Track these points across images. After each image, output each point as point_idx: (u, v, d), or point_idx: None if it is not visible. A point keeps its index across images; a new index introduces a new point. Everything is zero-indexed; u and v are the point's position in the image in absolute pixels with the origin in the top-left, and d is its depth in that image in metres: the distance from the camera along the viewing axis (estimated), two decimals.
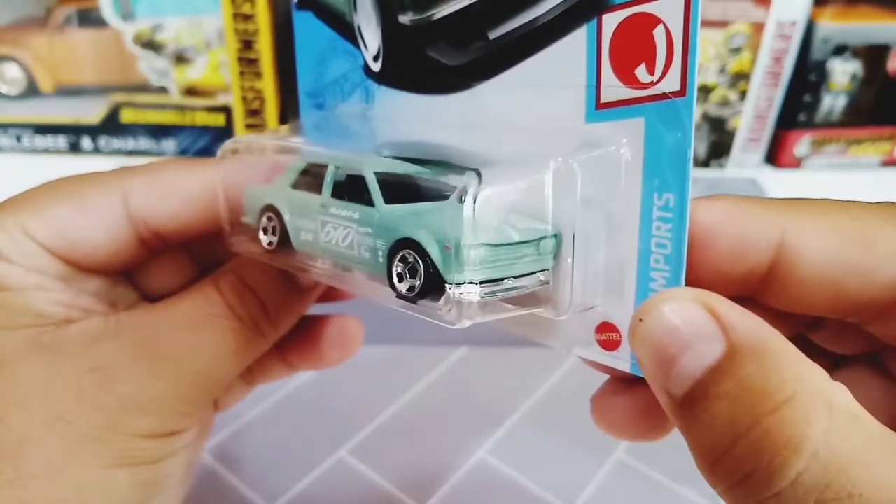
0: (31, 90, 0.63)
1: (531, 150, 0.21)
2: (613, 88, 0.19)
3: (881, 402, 0.22)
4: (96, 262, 0.26)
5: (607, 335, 0.22)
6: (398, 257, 0.20)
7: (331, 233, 0.23)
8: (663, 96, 0.18)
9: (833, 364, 0.23)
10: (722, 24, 0.61)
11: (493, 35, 0.21)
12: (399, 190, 0.21)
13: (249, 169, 0.26)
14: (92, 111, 0.63)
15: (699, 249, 0.20)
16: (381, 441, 0.42)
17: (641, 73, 0.19)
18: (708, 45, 0.62)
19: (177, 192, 0.27)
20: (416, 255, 0.20)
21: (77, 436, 0.23)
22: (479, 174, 0.19)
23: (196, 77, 0.61)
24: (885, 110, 0.66)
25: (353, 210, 0.22)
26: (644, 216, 0.20)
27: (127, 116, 0.63)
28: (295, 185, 0.24)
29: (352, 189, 0.22)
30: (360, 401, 0.45)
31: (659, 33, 0.18)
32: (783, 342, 0.17)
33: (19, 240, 0.24)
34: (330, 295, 0.31)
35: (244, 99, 0.60)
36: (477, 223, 0.19)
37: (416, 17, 0.23)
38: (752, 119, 0.65)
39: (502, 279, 0.20)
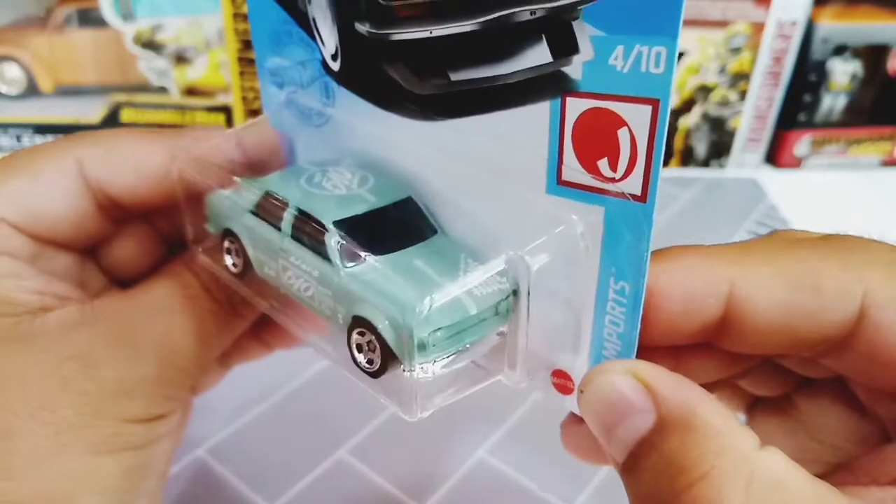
0: (32, 90, 0.63)
1: (491, 211, 0.20)
2: (575, 171, 0.18)
3: (844, 420, 0.22)
4: (61, 235, 0.26)
5: (561, 381, 0.22)
6: (356, 331, 0.20)
7: (292, 279, 0.22)
8: (623, 196, 0.18)
9: (799, 384, 0.24)
10: (722, 24, 0.61)
11: (454, 77, 0.20)
12: (359, 242, 0.21)
13: (206, 169, 0.26)
14: (92, 111, 0.63)
15: (651, 310, 0.20)
16: (381, 441, 0.42)
17: (604, 166, 0.18)
18: (708, 45, 0.62)
19: (133, 166, 0.26)
20: (373, 336, 0.19)
21: (62, 424, 0.22)
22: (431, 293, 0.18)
23: (196, 77, 0.61)
24: (884, 110, 0.66)
25: (313, 266, 0.21)
26: (600, 296, 0.20)
27: (127, 116, 0.63)
28: (255, 212, 0.23)
29: (309, 235, 0.21)
30: (360, 401, 0.45)
31: (623, 134, 0.17)
32: (712, 412, 0.17)
33: None
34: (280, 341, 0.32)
35: (244, 99, 0.60)
36: (429, 318, 0.18)
37: (373, 32, 0.21)
38: (752, 119, 0.65)
39: (461, 348, 0.20)
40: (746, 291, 0.20)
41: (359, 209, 0.21)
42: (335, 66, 0.23)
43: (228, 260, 0.25)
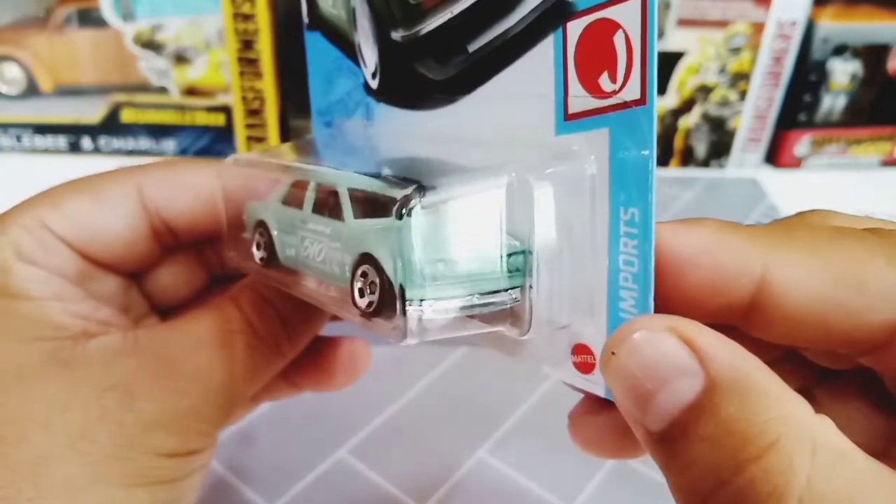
0: (32, 90, 0.63)
1: (501, 162, 0.20)
2: (580, 98, 0.19)
3: (870, 417, 0.21)
4: (114, 257, 0.26)
5: (582, 357, 0.21)
6: (359, 272, 0.20)
7: (308, 248, 0.23)
8: (625, 105, 0.18)
9: (820, 377, 0.22)
10: (722, 24, 0.61)
11: (472, 48, 0.21)
12: (367, 206, 0.21)
13: (250, 183, 0.26)
14: (92, 111, 0.63)
15: (673, 278, 0.18)
16: (381, 441, 0.42)
17: (604, 81, 0.18)
18: (708, 45, 0.62)
19: (190, 186, 0.27)
20: (375, 271, 0.19)
21: (99, 455, 0.22)
22: (422, 188, 0.18)
23: (196, 77, 0.61)
24: (884, 110, 0.66)
25: (327, 225, 0.22)
26: (612, 232, 0.19)
27: (127, 116, 0.63)
28: (284, 201, 0.24)
29: (329, 205, 0.23)
30: (360, 401, 0.45)
31: (619, 39, 0.17)
32: (766, 374, 0.16)
33: (39, 235, 0.24)
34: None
35: (244, 99, 0.60)
36: (427, 238, 0.18)
37: (406, 34, 0.23)
38: (752, 119, 0.65)
39: (466, 296, 0.19)
40: (783, 278, 0.18)
41: (364, 186, 0.22)
42: (374, 83, 0.25)
43: (257, 254, 0.25)
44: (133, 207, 0.26)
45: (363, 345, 0.32)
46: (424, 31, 0.22)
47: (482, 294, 0.19)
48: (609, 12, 0.18)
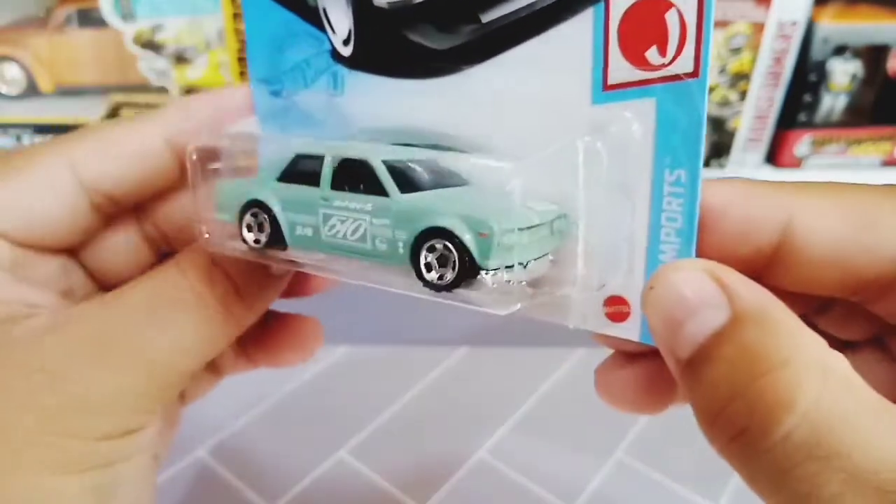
0: (31, 90, 0.63)
1: (536, 133, 0.21)
2: (622, 70, 0.20)
3: (886, 385, 0.22)
4: (49, 238, 0.25)
5: (615, 308, 0.22)
6: (426, 247, 0.20)
7: (336, 226, 0.22)
8: (676, 77, 0.19)
9: (838, 349, 0.23)
10: (722, 24, 0.61)
11: (486, 18, 0.21)
12: (409, 177, 0.21)
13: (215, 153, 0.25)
14: (92, 111, 0.63)
15: (706, 230, 0.20)
16: (381, 441, 0.42)
17: (652, 54, 0.19)
18: None
19: (128, 152, 0.25)
20: (448, 244, 0.20)
21: (21, 441, 0.21)
22: (512, 159, 0.20)
23: (196, 77, 0.62)
24: (885, 110, 0.66)
25: (363, 201, 0.22)
26: (655, 191, 0.20)
27: (127, 116, 0.63)
28: (283, 178, 0.24)
29: (354, 179, 0.22)
30: (360, 401, 0.45)
31: (671, 16, 0.18)
32: (785, 312, 0.18)
33: None
34: (294, 290, 0.30)
35: None
36: (514, 206, 0.19)
37: (394, 1, 0.22)
38: (753, 119, 0.65)
39: (527, 262, 0.20)
40: (805, 221, 0.20)
41: (401, 155, 0.22)
42: (347, 50, 0.24)
43: (250, 236, 0.24)
44: (66, 185, 0.25)
45: (314, 323, 0.31)
46: (419, 0, 0.22)
47: (536, 259, 0.21)
48: None
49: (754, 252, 0.21)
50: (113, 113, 0.63)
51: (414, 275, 0.21)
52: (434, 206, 0.20)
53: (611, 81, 0.20)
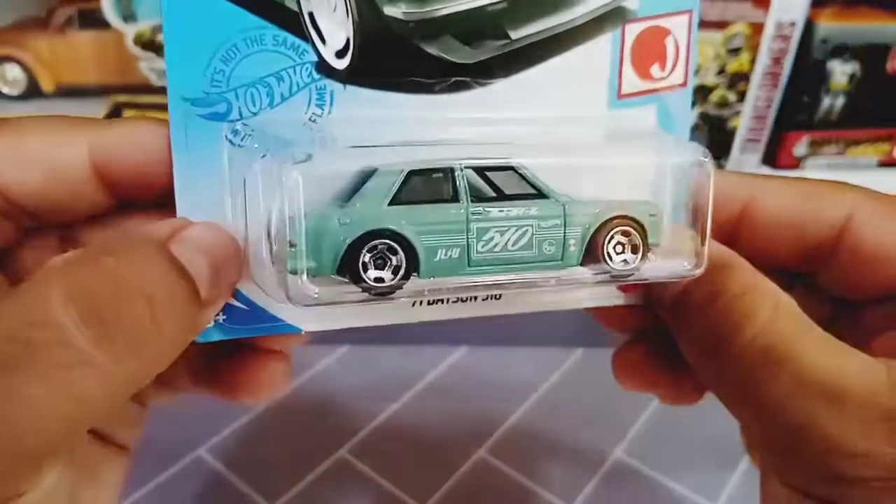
0: (33, 91, 0.63)
1: (572, 133, 0.24)
2: (632, 82, 0.24)
3: None
4: None
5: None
6: (607, 237, 0.22)
7: (495, 238, 0.21)
8: (671, 87, 0.25)
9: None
10: (721, 24, 0.61)
11: (515, 35, 0.22)
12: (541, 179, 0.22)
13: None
14: (93, 111, 0.63)
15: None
16: (381, 441, 0.42)
17: (655, 70, 0.25)
18: (707, 45, 0.62)
19: (40, 161, 0.22)
20: (633, 229, 0.23)
21: None
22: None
23: None
24: (883, 111, 0.66)
25: (524, 206, 0.21)
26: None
27: (128, 116, 0.63)
28: (400, 200, 0.20)
29: (499, 187, 0.22)
30: (360, 401, 0.45)
31: (669, 41, 0.24)
32: (746, 263, 0.23)
33: None
34: (237, 391, 0.26)
35: None
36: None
37: (414, 11, 0.21)
38: (751, 119, 0.65)
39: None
40: (762, 195, 0.26)
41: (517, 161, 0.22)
42: (341, 63, 0.22)
43: (371, 275, 0.20)
44: None
45: (280, 363, 0.27)
46: (442, 13, 0.21)
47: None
48: (663, 21, 0.24)
49: (724, 219, 0.25)
50: (113, 113, 0.63)
51: (580, 271, 0.22)
52: (591, 201, 0.22)
53: (623, 92, 0.24)
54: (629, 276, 0.23)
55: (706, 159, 0.23)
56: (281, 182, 0.19)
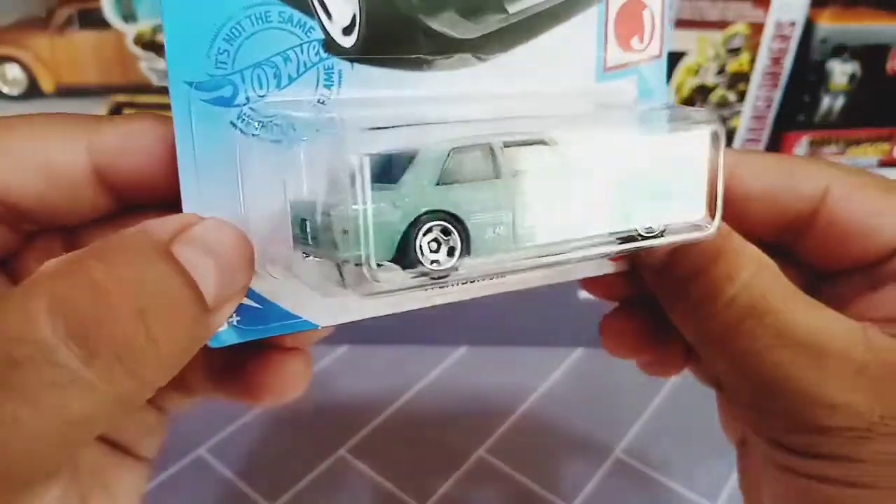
0: (33, 91, 0.63)
1: (569, 103, 0.25)
2: (616, 54, 0.25)
3: None
4: None
5: None
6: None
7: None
8: (649, 59, 0.26)
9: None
10: (721, 24, 0.61)
11: (512, 8, 0.22)
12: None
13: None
14: (93, 111, 0.63)
15: None
16: (381, 440, 0.42)
17: (635, 42, 0.26)
18: (707, 45, 0.62)
19: (38, 167, 0.21)
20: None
21: None
22: None
23: None
24: (883, 111, 0.66)
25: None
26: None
27: (128, 113, 0.63)
28: (447, 179, 0.20)
29: (530, 159, 0.21)
30: (360, 400, 0.45)
31: (647, 14, 0.26)
32: (728, 227, 0.24)
33: None
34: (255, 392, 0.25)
35: None
36: None
37: None
38: (751, 119, 0.65)
39: None
40: (740, 170, 0.27)
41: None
42: (348, 40, 0.21)
43: (436, 256, 0.19)
44: None
45: (302, 360, 0.26)
46: None
47: None
48: None
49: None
50: (114, 113, 0.63)
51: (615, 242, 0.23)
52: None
53: (608, 65, 0.25)
54: (654, 240, 0.23)
55: (719, 129, 0.23)
56: (341, 165, 0.18)
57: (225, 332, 0.21)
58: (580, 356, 0.50)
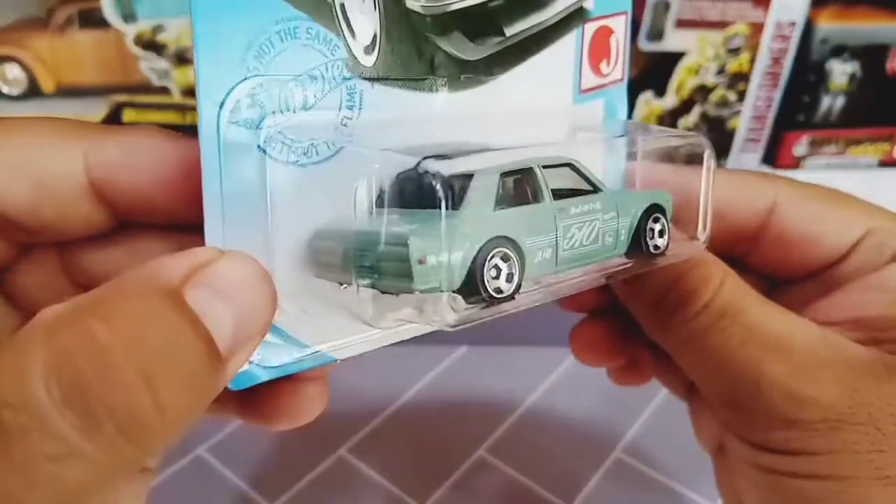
0: (33, 91, 0.63)
1: (552, 126, 0.26)
2: (589, 78, 0.26)
3: None
4: None
5: None
6: (650, 221, 0.24)
7: (575, 235, 0.22)
8: (614, 82, 0.27)
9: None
10: (721, 24, 0.61)
11: (509, 31, 0.23)
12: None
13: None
14: (93, 111, 0.63)
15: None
16: (381, 440, 0.42)
17: (604, 66, 0.27)
18: (707, 45, 0.62)
19: (31, 176, 0.19)
20: (662, 216, 0.25)
21: None
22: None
23: None
24: (883, 111, 0.66)
25: (591, 201, 0.23)
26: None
27: (128, 117, 0.63)
28: (501, 204, 0.20)
29: (565, 184, 0.23)
30: (360, 400, 0.45)
31: (613, 39, 0.27)
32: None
33: None
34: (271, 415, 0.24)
35: None
36: None
37: (430, 5, 0.20)
38: (751, 119, 0.65)
39: None
40: (695, 186, 0.26)
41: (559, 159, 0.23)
42: (369, 59, 0.20)
43: (497, 284, 0.19)
44: None
45: (319, 388, 0.25)
46: (454, 7, 0.21)
47: None
48: (610, 21, 0.26)
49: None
50: (114, 113, 0.63)
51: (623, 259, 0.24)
52: (629, 192, 0.25)
53: (584, 87, 0.26)
54: (661, 257, 0.24)
55: (708, 151, 0.25)
56: (428, 191, 0.17)
57: (243, 373, 0.20)
58: None
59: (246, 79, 0.18)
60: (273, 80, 0.19)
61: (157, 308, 0.16)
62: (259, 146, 0.19)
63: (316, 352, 0.21)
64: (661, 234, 0.25)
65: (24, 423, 0.14)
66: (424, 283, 0.18)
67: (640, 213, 0.24)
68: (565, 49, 0.25)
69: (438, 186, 0.17)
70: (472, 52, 0.22)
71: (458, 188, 0.18)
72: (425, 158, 0.18)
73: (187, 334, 0.16)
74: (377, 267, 0.18)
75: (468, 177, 0.19)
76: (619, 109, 0.28)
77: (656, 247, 0.24)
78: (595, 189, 0.23)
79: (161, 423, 0.15)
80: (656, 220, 0.24)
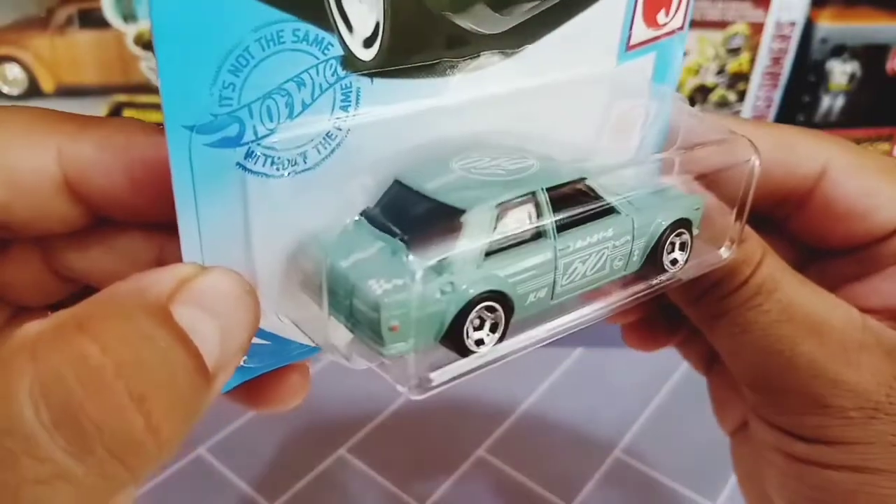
0: (33, 90, 0.63)
1: (586, 100, 0.24)
2: (640, 31, 0.24)
3: None
4: None
5: None
6: (671, 239, 0.23)
7: (577, 268, 0.20)
8: (671, 32, 0.25)
9: None
10: (721, 24, 0.61)
11: None
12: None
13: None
14: (93, 111, 0.63)
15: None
16: (381, 440, 0.42)
17: (661, 16, 0.25)
18: (707, 45, 0.62)
19: (1, 172, 0.19)
20: (685, 230, 0.23)
21: None
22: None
23: None
24: (883, 111, 0.66)
25: (599, 230, 0.20)
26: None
27: (128, 116, 0.63)
28: (494, 248, 0.18)
29: (582, 203, 0.20)
30: (360, 400, 0.45)
31: None
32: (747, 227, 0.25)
33: None
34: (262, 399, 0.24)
35: None
36: None
37: None
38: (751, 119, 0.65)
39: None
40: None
41: (568, 175, 0.21)
42: (369, 53, 0.19)
43: (480, 335, 0.18)
44: None
45: (301, 374, 0.25)
46: None
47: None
48: None
49: None
50: (114, 113, 0.63)
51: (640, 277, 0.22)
52: (648, 205, 0.22)
53: (631, 43, 0.24)
54: (676, 275, 0.23)
55: (754, 157, 0.23)
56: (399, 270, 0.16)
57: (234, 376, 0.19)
58: (580, 356, 0.50)
59: (222, 97, 0.17)
60: (252, 90, 0.17)
61: (146, 327, 0.15)
62: (238, 163, 0.18)
63: (302, 346, 0.21)
64: (683, 247, 0.23)
65: (12, 447, 0.13)
66: (392, 350, 0.17)
67: (660, 232, 0.22)
68: (613, 5, 0.23)
69: (413, 270, 0.16)
70: (496, 24, 0.20)
71: (441, 246, 0.17)
72: (404, 237, 0.17)
73: (178, 352, 0.15)
74: (350, 315, 0.18)
75: (460, 212, 0.18)
76: (674, 63, 0.26)
77: (674, 261, 0.23)
78: (610, 209, 0.21)
79: (155, 445, 0.15)
80: (679, 235, 0.23)
